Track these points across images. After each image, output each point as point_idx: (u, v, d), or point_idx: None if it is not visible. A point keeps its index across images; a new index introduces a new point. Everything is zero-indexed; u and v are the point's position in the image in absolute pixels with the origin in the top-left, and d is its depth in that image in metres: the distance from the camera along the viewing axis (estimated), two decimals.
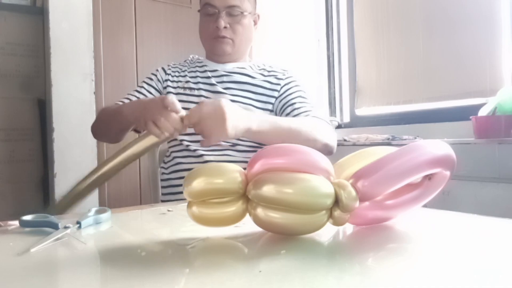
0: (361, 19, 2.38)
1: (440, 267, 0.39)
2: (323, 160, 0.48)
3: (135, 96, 1.15)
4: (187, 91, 1.15)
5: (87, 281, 0.38)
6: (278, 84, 1.15)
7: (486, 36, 1.76)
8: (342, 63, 2.52)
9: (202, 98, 1.12)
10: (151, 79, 1.20)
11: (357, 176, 0.48)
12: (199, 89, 1.15)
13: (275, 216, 0.46)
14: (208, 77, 1.17)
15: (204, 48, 1.23)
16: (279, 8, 2.49)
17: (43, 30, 1.82)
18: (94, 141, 1.82)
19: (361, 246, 0.48)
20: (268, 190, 0.45)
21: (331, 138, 1.02)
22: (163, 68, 1.23)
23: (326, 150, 1.00)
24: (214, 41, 1.13)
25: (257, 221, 0.48)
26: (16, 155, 1.80)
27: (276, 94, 1.15)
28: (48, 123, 1.81)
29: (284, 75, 1.18)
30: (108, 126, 1.07)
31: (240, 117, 0.85)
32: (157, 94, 1.18)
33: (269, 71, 1.20)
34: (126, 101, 1.12)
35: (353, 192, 0.46)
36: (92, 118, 1.83)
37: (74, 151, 1.77)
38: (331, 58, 2.56)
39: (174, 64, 1.24)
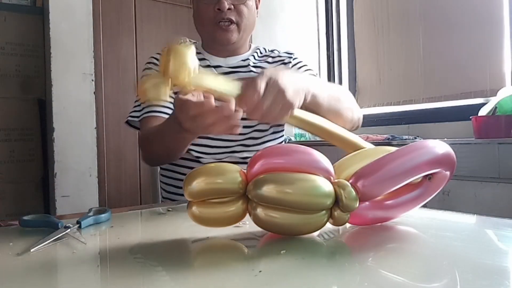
0: (361, 19, 2.38)
1: (440, 267, 0.39)
2: (323, 160, 0.48)
3: (158, 103, 0.98)
4: None
5: (87, 281, 0.38)
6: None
7: (486, 36, 1.76)
8: (342, 63, 2.52)
9: None
10: None
11: (357, 176, 0.48)
12: None
13: (275, 216, 0.46)
14: None
15: (201, 37, 1.08)
16: (279, 9, 2.49)
17: (43, 30, 1.82)
18: (94, 141, 1.82)
19: (361, 246, 0.48)
20: (268, 190, 0.45)
21: (359, 111, 0.96)
22: (156, 59, 1.06)
23: (357, 124, 0.94)
24: (217, 28, 0.97)
25: (257, 221, 0.48)
26: (16, 155, 1.80)
27: None
28: (48, 123, 1.81)
29: (290, 57, 1.09)
30: (168, 151, 0.90)
31: (296, 81, 0.70)
32: None
33: (273, 57, 1.10)
34: (151, 113, 0.98)
35: (353, 192, 0.46)
36: (92, 118, 1.83)
37: (74, 151, 1.77)
38: (331, 58, 2.56)
39: None
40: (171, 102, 1.02)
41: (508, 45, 1.70)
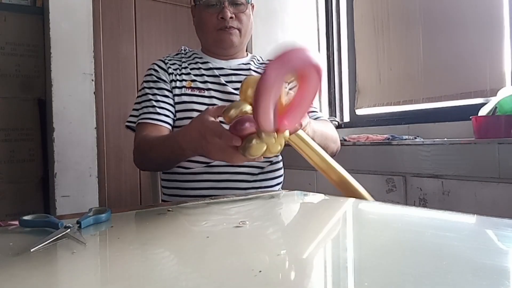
0: (361, 19, 2.38)
1: (440, 267, 0.39)
2: None
3: (156, 111, 1.04)
4: (196, 92, 1.08)
5: (87, 281, 0.38)
6: None
7: (486, 36, 1.76)
8: (342, 63, 2.52)
9: (214, 100, 1.07)
10: (157, 81, 1.09)
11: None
12: (208, 89, 1.09)
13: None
14: (216, 76, 1.11)
15: (204, 42, 1.15)
16: (279, 9, 2.49)
17: (43, 30, 1.83)
18: (94, 141, 1.82)
19: (361, 246, 0.48)
20: None
21: (338, 141, 1.12)
22: (159, 66, 1.11)
23: (335, 153, 1.10)
24: (221, 33, 1.08)
25: None
26: (16, 155, 1.80)
27: None
28: (48, 123, 1.81)
29: None
30: (163, 158, 0.95)
31: None
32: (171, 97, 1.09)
33: None
34: (149, 120, 1.03)
35: None
36: (92, 118, 1.83)
37: (74, 151, 1.77)
38: (331, 58, 2.56)
39: (168, 58, 1.14)
40: (172, 114, 1.08)
41: (508, 45, 1.70)
